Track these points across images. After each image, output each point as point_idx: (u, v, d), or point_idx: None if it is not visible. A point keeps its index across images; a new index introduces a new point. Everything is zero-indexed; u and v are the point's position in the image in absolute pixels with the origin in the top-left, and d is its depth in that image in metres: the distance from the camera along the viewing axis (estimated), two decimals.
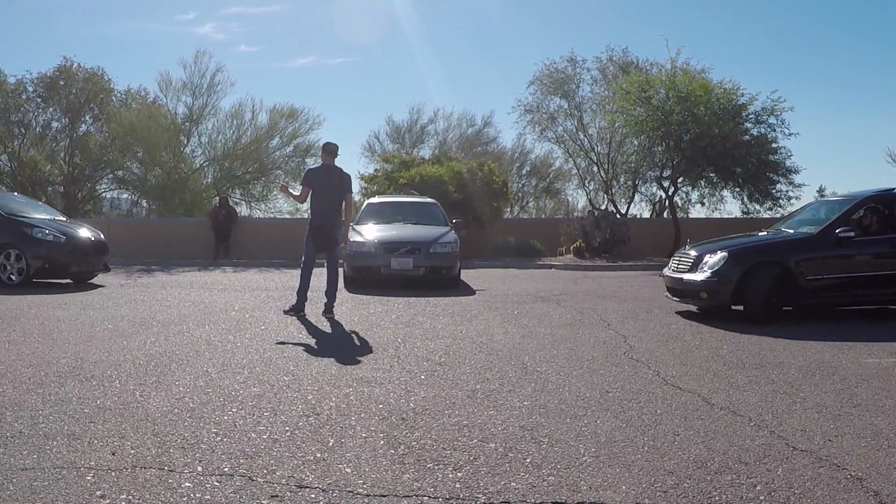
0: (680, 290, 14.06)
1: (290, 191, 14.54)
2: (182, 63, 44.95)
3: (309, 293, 13.49)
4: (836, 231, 13.44)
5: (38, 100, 45.14)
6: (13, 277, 18.58)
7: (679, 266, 14.30)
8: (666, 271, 14.93)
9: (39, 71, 45.29)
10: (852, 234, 13.45)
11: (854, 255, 13.66)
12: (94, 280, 20.49)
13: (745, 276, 13.15)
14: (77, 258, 19.55)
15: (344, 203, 13.98)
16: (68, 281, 19.77)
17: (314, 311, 13.67)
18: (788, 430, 6.35)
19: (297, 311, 13.51)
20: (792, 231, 14.74)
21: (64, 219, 21.79)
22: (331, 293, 13.78)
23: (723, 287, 13.23)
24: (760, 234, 15.55)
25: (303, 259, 13.80)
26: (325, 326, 12.21)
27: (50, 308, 13.99)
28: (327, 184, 13.70)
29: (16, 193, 25.04)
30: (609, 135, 39.97)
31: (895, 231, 13.80)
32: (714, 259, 13.46)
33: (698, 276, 13.49)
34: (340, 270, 15.79)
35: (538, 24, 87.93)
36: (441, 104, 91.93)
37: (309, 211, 13.83)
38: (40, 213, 20.77)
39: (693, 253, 14.13)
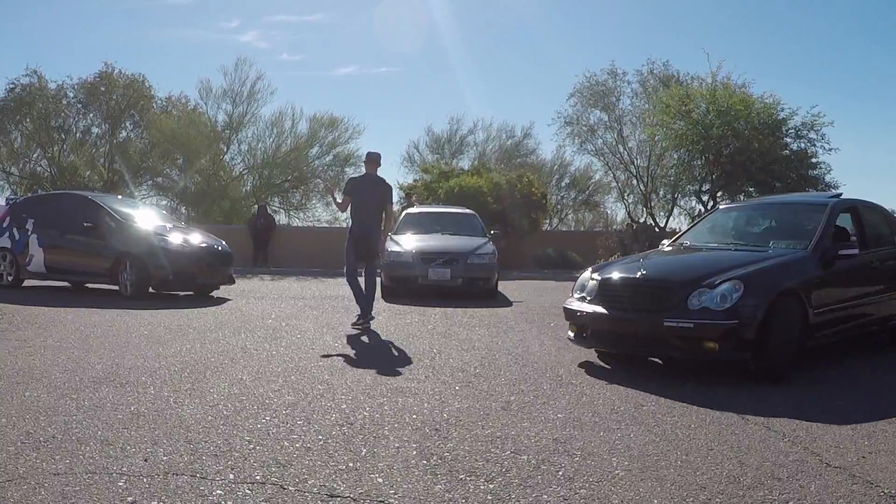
0: (646, 338, 9.52)
1: (336, 196, 14.32)
2: (223, 70, 45.35)
3: (346, 302, 13.46)
4: (837, 248, 10.47)
5: (79, 105, 45.67)
6: (135, 287, 17.28)
7: (634, 304, 9.71)
8: (585, 307, 10.23)
9: (80, 77, 45.87)
10: (855, 251, 10.67)
11: (856, 277, 11.04)
12: (218, 293, 19.00)
13: (769, 314, 9.08)
14: (203, 269, 18.09)
15: (385, 213, 13.61)
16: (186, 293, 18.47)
17: (351, 319, 13.68)
18: (822, 447, 6.30)
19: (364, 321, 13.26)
20: (717, 245, 11.60)
21: (184, 225, 20.99)
22: (368, 304, 13.35)
23: (746, 331, 8.96)
24: (665, 248, 12.14)
25: (345, 270, 13.57)
26: (362, 336, 12.21)
27: (86, 314, 14.06)
28: (368, 193, 13.39)
29: (120, 196, 24.21)
30: (649, 148, 39.76)
31: (865, 246, 11.25)
32: (721, 291, 9.07)
33: (702, 319, 8.96)
34: (378, 280, 15.80)
35: (579, 35, 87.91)
36: (481, 115, 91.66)
37: (349, 220, 13.73)
38: (155, 219, 19.53)
39: (655, 279, 9.87)
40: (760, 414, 7.43)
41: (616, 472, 5.57)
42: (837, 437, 6.65)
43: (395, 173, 54.69)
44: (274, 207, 43.79)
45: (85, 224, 18.11)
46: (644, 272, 9.95)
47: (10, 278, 19.08)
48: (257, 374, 8.89)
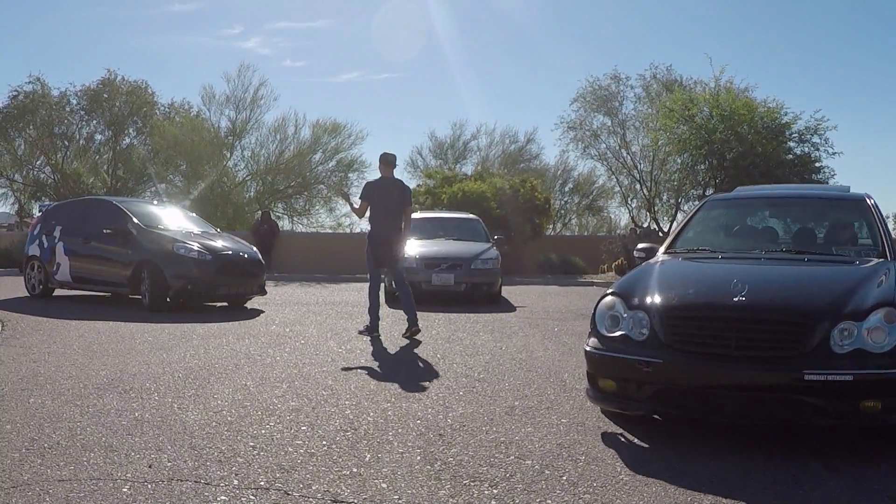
0: (768, 399, 6.23)
1: (351, 201, 13.72)
2: (225, 77, 45.17)
3: (349, 308, 13.39)
4: None
5: (82, 112, 45.44)
6: (153, 297, 16.26)
7: (742, 346, 6.31)
8: (639, 352, 6.66)
9: (83, 83, 45.52)
10: None
11: None
12: (253, 304, 18.01)
13: None
14: (226, 278, 16.79)
15: (404, 216, 13.06)
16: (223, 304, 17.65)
17: (355, 325, 13.65)
18: (827, 452, 6.29)
19: (371, 331, 12.89)
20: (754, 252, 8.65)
21: (215, 230, 19.49)
22: (410, 309, 12.91)
23: None
24: (661, 256, 8.69)
25: (368, 276, 13.27)
26: (365, 342, 12.20)
27: (91, 320, 14.06)
28: (387, 196, 12.86)
29: (156, 201, 22.74)
30: (652, 152, 39.74)
31: None
32: (874, 325, 6.22)
33: (862, 368, 6.07)
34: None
35: (581, 41, 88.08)
36: (484, 120, 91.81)
37: (368, 225, 13.07)
38: (184, 224, 18.42)
39: (773, 308, 6.57)
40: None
41: (620, 476, 5.57)
42: (842, 442, 6.63)
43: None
44: (277, 213, 43.73)
45: (105, 230, 17.24)
46: (743, 297, 6.54)
47: (39, 287, 18.65)
48: (261, 379, 8.88)
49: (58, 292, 19.17)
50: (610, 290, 7.36)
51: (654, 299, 6.88)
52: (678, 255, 8.68)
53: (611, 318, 7.06)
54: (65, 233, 18.22)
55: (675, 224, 39.69)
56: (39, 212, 20.07)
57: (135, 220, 17.26)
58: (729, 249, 8.83)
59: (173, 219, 18.59)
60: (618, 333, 6.91)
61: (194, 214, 20.59)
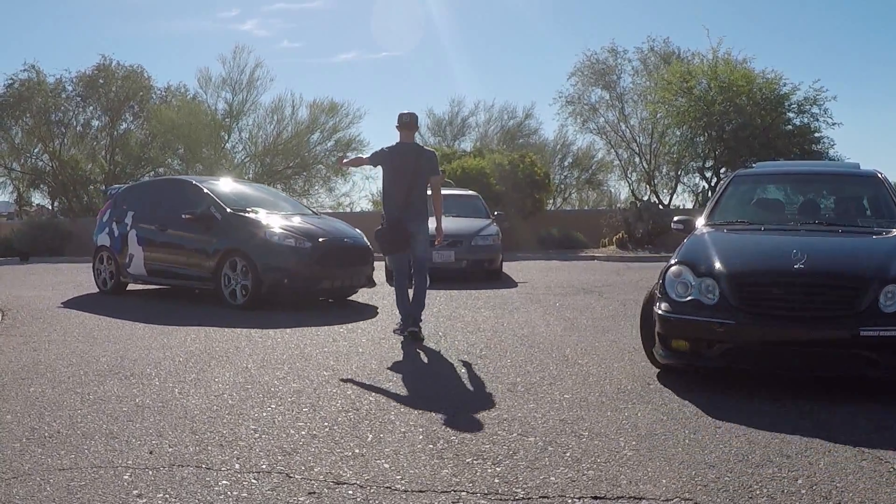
0: (828, 354, 7.31)
1: (349, 157, 11.38)
2: (221, 59, 44.97)
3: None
4: None
5: (78, 99, 45.24)
6: (244, 294, 13.82)
7: (805, 307, 7.34)
8: (714, 314, 7.51)
9: (78, 70, 45.35)
10: None
11: None
12: (356, 297, 15.59)
13: None
14: (329, 269, 14.14)
15: (430, 189, 10.81)
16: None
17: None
18: (831, 423, 6.27)
19: (403, 329, 10.69)
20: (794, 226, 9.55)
21: (312, 211, 17.24)
22: (418, 305, 10.80)
23: None
24: (703, 228, 9.38)
25: (392, 268, 11.28)
26: (366, 322, 12.17)
27: (91, 307, 14.05)
28: (402, 166, 10.52)
29: (241, 179, 19.76)
30: (651, 125, 39.78)
31: None
32: None
33: None
34: (382, 265, 15.67)
35: (578, 14, 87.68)
36: (482, 97, 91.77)
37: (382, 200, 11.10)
38: (276, 205, 16.04)
39: (831, 273, 7.60)
40: (769, 391, 7.40)
41: (624, 451, 5.55)
42: (846, 412, 6.62)
43: None
44: None
45: (184, 215, 14.89)
46: (803, 265, 7.45)
47: (111, 282, 16.53)
48: (262, 361, 8.87)
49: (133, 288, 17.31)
50: (675, 260, 8.25)
51: (721, 267, 7.77)
52: (720, 227, 9.48)
53: (681, 284, 7.91)
54: (137, 219, 16.05)
55: (674, 196, 39.90)
56: (109, 196, 17.97)
57: (219, 202, 14.89)
58: (765, 222, 9.66)
59: (263, 199, 16.30)
60: (689, 298, 7.77)
61: (285, 194, 18.82)
